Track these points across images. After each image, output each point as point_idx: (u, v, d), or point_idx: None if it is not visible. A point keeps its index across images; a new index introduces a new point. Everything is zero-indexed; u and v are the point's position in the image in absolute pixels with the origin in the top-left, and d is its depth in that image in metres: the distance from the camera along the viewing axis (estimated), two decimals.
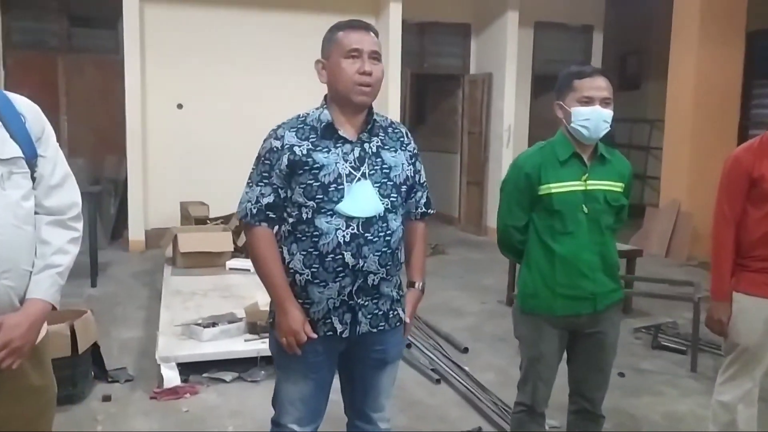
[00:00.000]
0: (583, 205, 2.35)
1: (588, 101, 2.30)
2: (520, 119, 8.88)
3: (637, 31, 10.53)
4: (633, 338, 4.77)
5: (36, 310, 1.64)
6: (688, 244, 7.50)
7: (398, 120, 7.96)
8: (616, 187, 2.41)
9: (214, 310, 4.48)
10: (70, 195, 1.75)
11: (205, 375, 3.80)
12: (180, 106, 7.84)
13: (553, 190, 2.34)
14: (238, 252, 6.17)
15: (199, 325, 4.07)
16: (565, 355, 2.53)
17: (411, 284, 2.20)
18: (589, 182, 2.36)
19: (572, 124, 2.33)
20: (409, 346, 4.36)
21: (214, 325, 4.08)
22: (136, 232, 7.45)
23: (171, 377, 3.65)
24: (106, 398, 3.52)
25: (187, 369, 3.79)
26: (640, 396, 3.78)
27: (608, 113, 2.32)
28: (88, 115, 7.84)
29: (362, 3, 8.19)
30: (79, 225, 1.76)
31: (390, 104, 8.04)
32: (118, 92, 7.32)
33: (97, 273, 6.09)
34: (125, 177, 7.51)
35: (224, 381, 3.76)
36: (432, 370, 3.97)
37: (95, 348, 3.75)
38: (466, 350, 4.39)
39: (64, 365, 3.39)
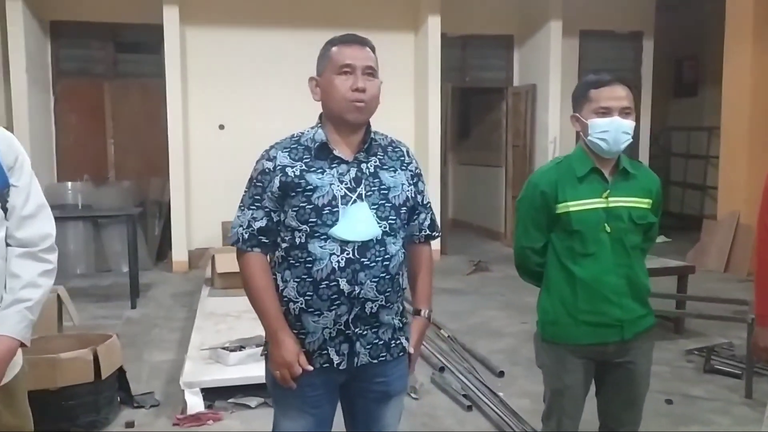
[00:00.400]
0: (605, 224, 2.17)
1: (606, 112, 2.13)
2: (566, 131, 8.60)
3: (692, 36, 10.12)
4: (684, 361, 4.47)
5: (2, 347, 1.58)
6: (749, 259, 7.06)
7: (438, 135, 7.98)
8: (642, 203, 2.22)
9: (245, 332, 4.41)
10: (43, 226, 1.69)
11: (230, 400, 3.73)
12: (222, 127, 7.93)
13: (572, 209, 2.17)
14: None
15: (225, 348, 4.01)
16: (594, 385, 2.34)
17: (416, 312, 2.06)
18: (611, 199, 2.18)
19: (589, 137, 2.16)
20: (442, 369, 4.20)
21: (241, 348, 4.01)
22: (179, 253, 7.52)
23: (194, 403, 3.59)
24: (129, 425, 3.48)
25: (213, 394, 3.72)
26: (688, 425, 3.51)
27: (629, 124, 2.14)
28: (133, 139, 8.00)
29: (400, 18, 8.12)
30: (53, 257, 1.70)
31: (430, 119, 7.96)
32: (163, 115, 7.44)
33: (138, 294, 6.15)
34: (169, 198, 7.62)
35: (249, 407, 3.68)
36: (464, 395, 3.79)
37: (121, 372, 3.73)
38: (501, 374, 4.19)
39: (86, 391, 3.40)
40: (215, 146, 7.85)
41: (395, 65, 8.24)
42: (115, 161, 7.98)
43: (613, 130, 2.12)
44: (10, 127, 7.11)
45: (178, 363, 4.38)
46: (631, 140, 2.15)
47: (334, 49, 1.92)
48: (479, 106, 10.20)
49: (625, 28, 9.18)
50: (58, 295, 3.93)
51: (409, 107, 8.38)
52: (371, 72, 1.90)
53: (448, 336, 4.85)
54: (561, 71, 8.44)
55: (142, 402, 3.74)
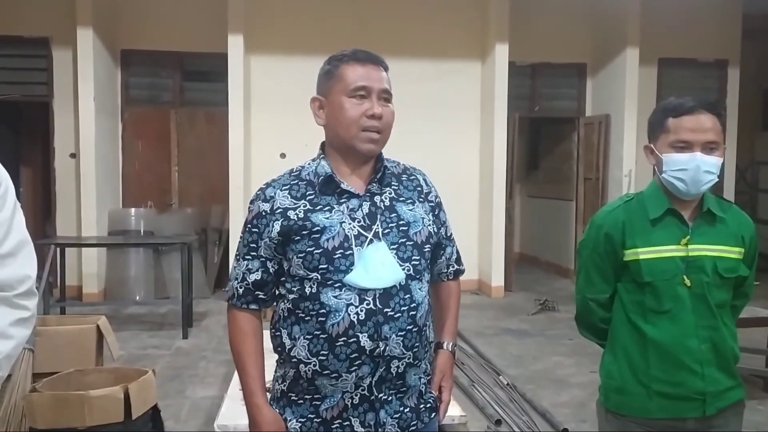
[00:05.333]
0: (684, 277, 1.82)
1: (685, 146, 1.79)
2: (642, 164, 8.11)
3: None
4: None
5: None
6: None
7: (504, 166, 7.64)
8: (732, 253, 1.85)
9: None
10: (22, 267, 1.46)
11: None
12: (283, 156, 7.84)
13: (642, 256, 1.84)
14: None
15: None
16: None
17: (438, 345, 1.79)
18: (691, 247, 1.83)
19: (664, 175, 1.82)
20: (498, 422, 3.84)
21: None
22: None
23: None
24: None
25: None
26: None
27: (713, 162, 1.78)
28: (197, 167, 8.02)
29: (467, 46, 7.89)
30: (31, 303, 1.48)
31: (496, 150, 7.67)
32: (227, 144, 7.42)
33: (191, 324, 6.06)
34: (229, 226, 7.56)
35: None
36: None
37: (156, 411, 3.55)
38: None
39: None
40: (276, 175, 7.75)
41: (461, 94, 8.00)
42: (179, 188, 8.00)
43: (692, 169, 1.77)
44: (77, 153, 7.28)
45: (219, 401, 4.19)
46: (717, 180, 1.80)
47: (345, 66, 1.68)
48: (549, 136, 9.82)
49: (709, 56, 8.63)
50: (98, 326, 3.82)
51: (474, 137, 8.11)
52: (387, 96, 1.67)
53: (508, 383, 4.48)
54: (637, 101, 7.98)
55: None
